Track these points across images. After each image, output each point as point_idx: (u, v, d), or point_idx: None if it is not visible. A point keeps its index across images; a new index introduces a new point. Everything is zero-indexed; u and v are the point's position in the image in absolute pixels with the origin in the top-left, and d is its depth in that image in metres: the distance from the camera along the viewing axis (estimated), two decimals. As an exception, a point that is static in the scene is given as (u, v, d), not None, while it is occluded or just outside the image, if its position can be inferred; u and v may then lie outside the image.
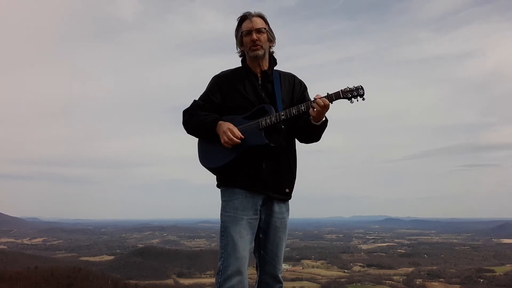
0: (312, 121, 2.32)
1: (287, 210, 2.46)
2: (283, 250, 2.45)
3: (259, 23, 2.38)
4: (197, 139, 2.46)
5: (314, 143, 2.51)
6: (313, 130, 2.37)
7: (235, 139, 2.25)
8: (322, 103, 2.22)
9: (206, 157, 2.39)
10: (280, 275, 2.44)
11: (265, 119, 2.28)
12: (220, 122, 2.31)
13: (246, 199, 2.31)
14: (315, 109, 2.23)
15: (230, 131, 2.26)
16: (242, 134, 2.27)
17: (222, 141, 2.26)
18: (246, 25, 2.39)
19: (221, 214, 2.36)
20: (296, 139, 2.50)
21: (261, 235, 2.40)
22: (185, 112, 2.44)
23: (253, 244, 2.37)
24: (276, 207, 2.39)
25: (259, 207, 2.35)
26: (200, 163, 2.41)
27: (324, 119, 2.34)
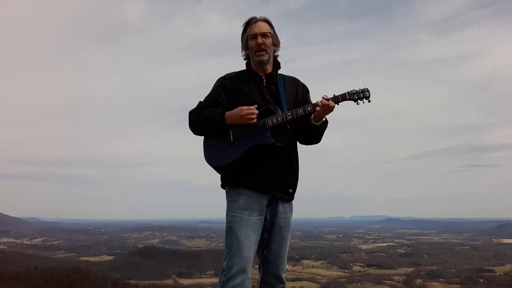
0: (312, 120, 2.34)
1: (291, 210, 2.48)
2: (287, 250, 2.47)
3: (264, 28, 2.42)
4: (202, 139, 2.48)
5: (315, 144, 2.52)
6: (313, 130, 2.39)
7: (255, 110, 2.27)
8: (327, 102, 2.24)
9: (212, 156, 2.41)
10: (283, 276, 2.45)
11: (272, 119, 2.30)
12: (228, 112, 2.34)
13: (252, 199, 2.33)
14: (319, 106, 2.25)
15: (246, 108, 2.28)
16: (248, 133, 2.30)
17: (245, 118, 2.26)
18: (252, 29, 2.42)
19: (226, 214, 2.37)
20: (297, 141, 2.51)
21: (265, 235, 2.41)
22: (192, 112, 2.47)
23: (257, 245, 2.37)
24: (281, 207, 2.41)
25: (264, 207, 2.36)
26: (205, 161, 2.43)
27: (324, 119, 2.36)
